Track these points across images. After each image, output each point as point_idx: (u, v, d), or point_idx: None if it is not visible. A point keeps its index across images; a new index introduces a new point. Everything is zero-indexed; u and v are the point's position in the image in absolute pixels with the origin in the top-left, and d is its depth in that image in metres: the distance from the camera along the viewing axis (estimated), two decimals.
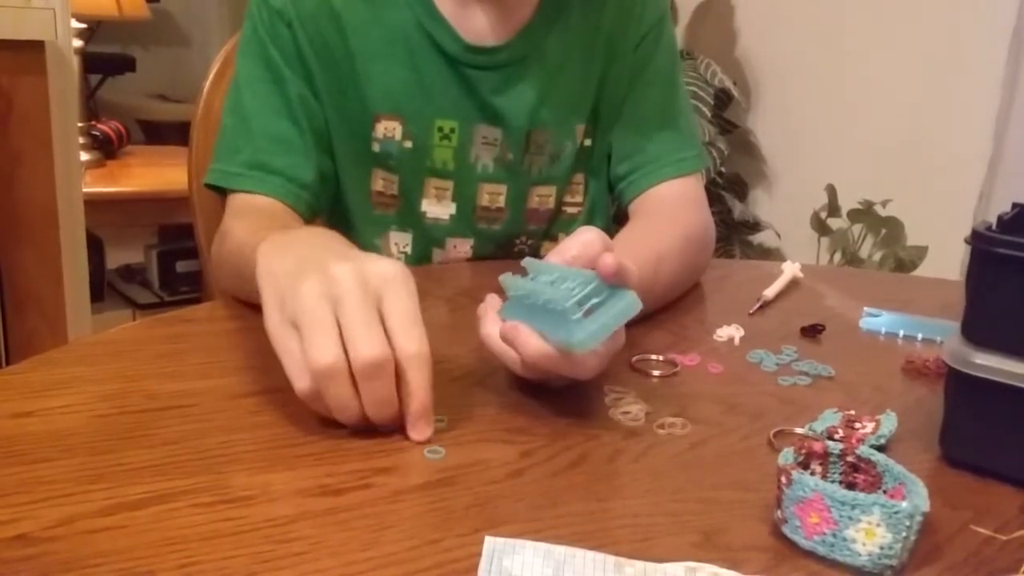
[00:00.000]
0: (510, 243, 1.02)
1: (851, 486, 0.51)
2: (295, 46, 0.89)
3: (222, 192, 0.91)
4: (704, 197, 1.00)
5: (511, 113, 0.95)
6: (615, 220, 1.07)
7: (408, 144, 0.94)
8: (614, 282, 0.58)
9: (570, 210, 1.03)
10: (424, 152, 0.94)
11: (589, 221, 1.03)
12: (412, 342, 0.54)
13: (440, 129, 0.94)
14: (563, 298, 0.56)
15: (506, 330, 0.60)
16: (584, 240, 0.62)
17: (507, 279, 0.63)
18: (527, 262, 0.64)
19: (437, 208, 0.97)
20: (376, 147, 0.94)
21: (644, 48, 0.99)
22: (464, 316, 0.77)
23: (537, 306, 0.59)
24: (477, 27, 0.93)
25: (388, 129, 0.93)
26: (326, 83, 0.91)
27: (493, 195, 0.98)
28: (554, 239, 1.03)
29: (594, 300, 0.57)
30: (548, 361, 0.58)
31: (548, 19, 0.95)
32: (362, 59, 0.91)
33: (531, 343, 0.58)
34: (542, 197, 1.00)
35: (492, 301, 0.65)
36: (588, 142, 1.01)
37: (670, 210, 0.95)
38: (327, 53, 0.90)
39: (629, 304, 0.57)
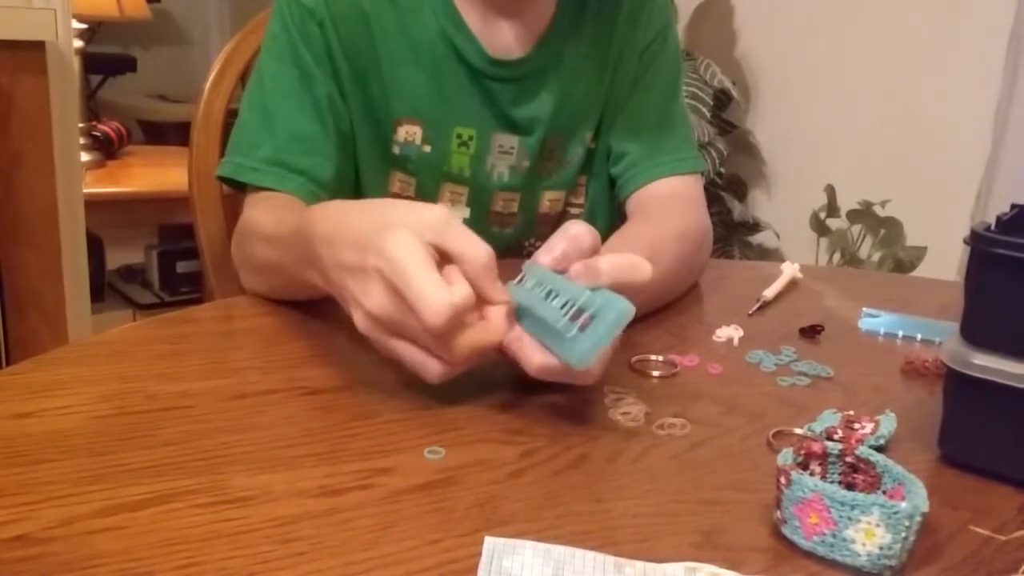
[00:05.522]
0: (520, 245, 1.03)
1: (850, 487, 0.51)
2: (325, 46, 0.89)
3: (233, 185, 0.91)
4: (702, 198, 1.00)
5: (529, 123, 0.96)
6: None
7: (427, 148, 0.95)
8: (596, 286, 0.57)
9: (573, 211, 1.04)
10: (442, 157, 0.95)
11: (590, 221, 1.04)
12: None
13: (459, 136, 0.95)
14: (556, 317, 0.56)
15: (510, 342, 0.59)
16: (572, 235, 0.62)
17: (511, 288, 0.62)
18: (525, 266, 0.64)
19: (452, 211, 0.98)
20: (396, 150, 0.95)
21: (648, 55, 1.00)
22: None
23: (538, 317, 0.59)
24: (501, 40, 0.94)
25: (409, 133, 0.94)
26: (352, 84, 0.92)
27: (507, 201, 0.99)
28: None
29: (588, 312, 0.56)
30: (550, 375, 0.59)
31: (564, 29, 0.96)
32: (388, 63, 0.92)
33: (534, 358, 0.58)
34: (552, 202, 1.02)
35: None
36: (593, 146, 1.02)
37: (666, 208, 0.96)
38: (355, 55, 0.91)
39: (620, 313, 0.56)
